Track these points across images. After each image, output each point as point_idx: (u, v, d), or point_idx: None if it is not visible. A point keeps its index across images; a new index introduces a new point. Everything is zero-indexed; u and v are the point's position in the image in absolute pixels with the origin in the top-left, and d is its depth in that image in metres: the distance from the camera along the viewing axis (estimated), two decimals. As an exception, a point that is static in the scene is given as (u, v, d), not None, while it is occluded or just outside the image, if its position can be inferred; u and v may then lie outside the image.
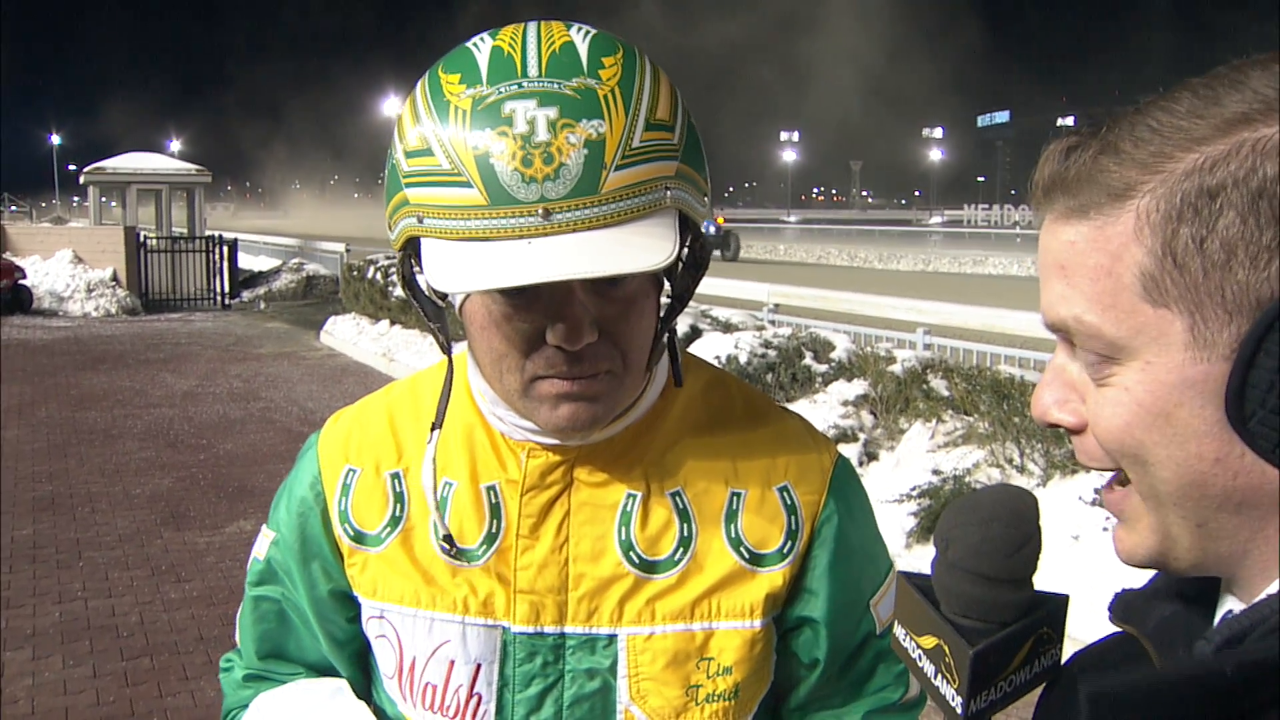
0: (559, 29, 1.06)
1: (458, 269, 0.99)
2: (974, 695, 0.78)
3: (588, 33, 1.07)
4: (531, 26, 1.06)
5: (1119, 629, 0.85)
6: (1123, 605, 0.85)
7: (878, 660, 1.29)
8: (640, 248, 1.00)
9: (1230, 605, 0.76)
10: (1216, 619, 0.78)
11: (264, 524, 1.35)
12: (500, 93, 1.00)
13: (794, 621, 1.24)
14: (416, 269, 1.11)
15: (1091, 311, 0.71)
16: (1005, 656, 0.79)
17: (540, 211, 0.97)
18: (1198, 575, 0.76)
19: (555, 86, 1.00)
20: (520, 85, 1.00)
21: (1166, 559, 0.75)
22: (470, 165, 0.99)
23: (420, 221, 1.03)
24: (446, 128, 1.00)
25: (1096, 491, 5.77)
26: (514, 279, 0.97)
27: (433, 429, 1.18)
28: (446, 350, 1.16)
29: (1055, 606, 0.83)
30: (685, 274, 1.18)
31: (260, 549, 1.32)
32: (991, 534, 0.80)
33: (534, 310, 1.06)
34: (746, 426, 1.25)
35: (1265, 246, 0.64)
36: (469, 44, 1.07)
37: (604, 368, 1.09)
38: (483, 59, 1.03)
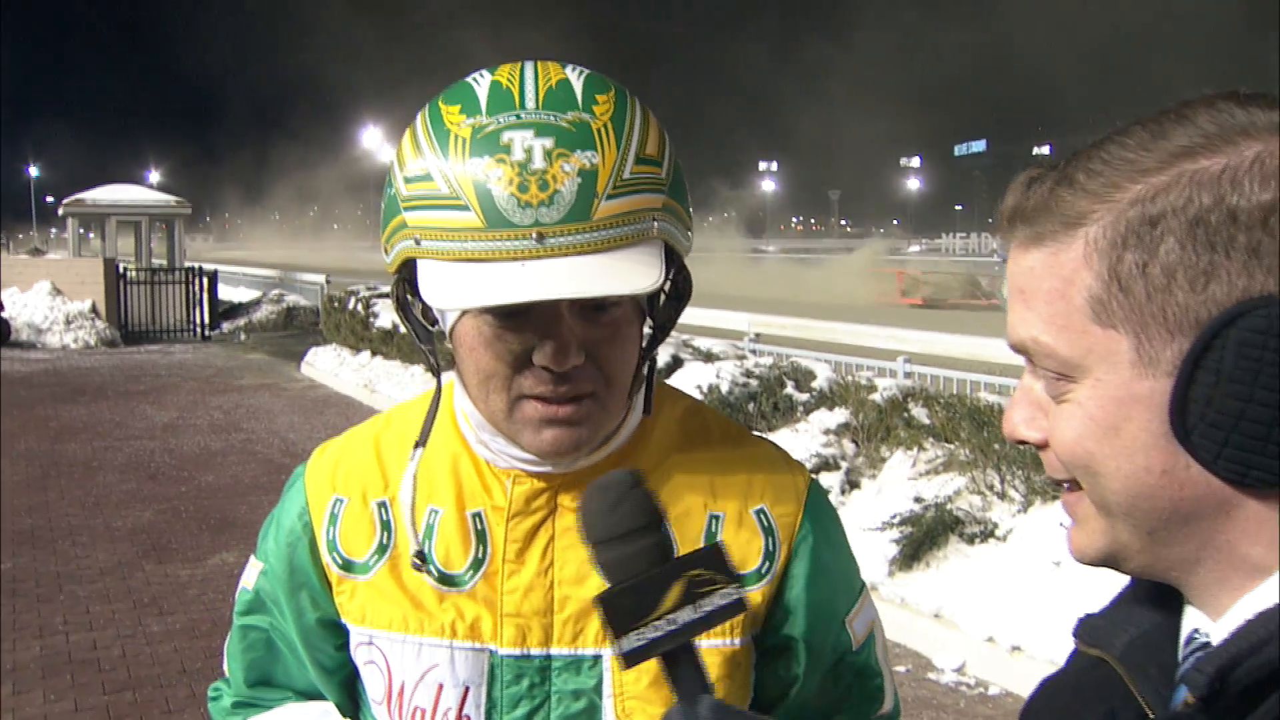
0: (555, 68, 1.12)
1: (454, 288, 1.04)
2: (618, 635, 0.89)
3: (582, 72, 1.13)
4: (529, 64, 1.12)
5: (1086, 653, 0.88)
6: (1088, 629, 0.88)
7: (854, 677, 1.32)
8: (628, 273, 1.05)
9: (1195, 619, 0.80)
10: (1183, 634, 0.81)
11: (252, 554, 1.36)
12: (499, 123, 1.05)
13: (773, 640, 1.26)
14: (409, 295, 1.16)
15: (1047, 333, 0.76)
16: (644, 600, 0.90)
17: (534, 235, 1.02)
18: (1149, 578, 0.80)
19: (551, 119, 1.05)
20: (519, 116, 1.05)
21: (1117, 560, 0.79)
22: (468, 190, 1.04)
23: (418, 243, 1.08)
24: (446, 155, 1.06)
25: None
26: (508, 297, 1.02)
27: (416, 445, 1.22)
28: (436, 372, 1.20)
29: (701, 554, 0.94)
30: (668, 305, 1.24)
31: (248, 579, 1.34)
32: (588, 508, 0.95)
33: (523, 331, 1.10)
34: (723, 452, 1.29)
35: (1202, 271, 0.69)
36: (469, 79, 1.12)
37: (588, 390, 1.13)
38: (482, 92, 1.09)
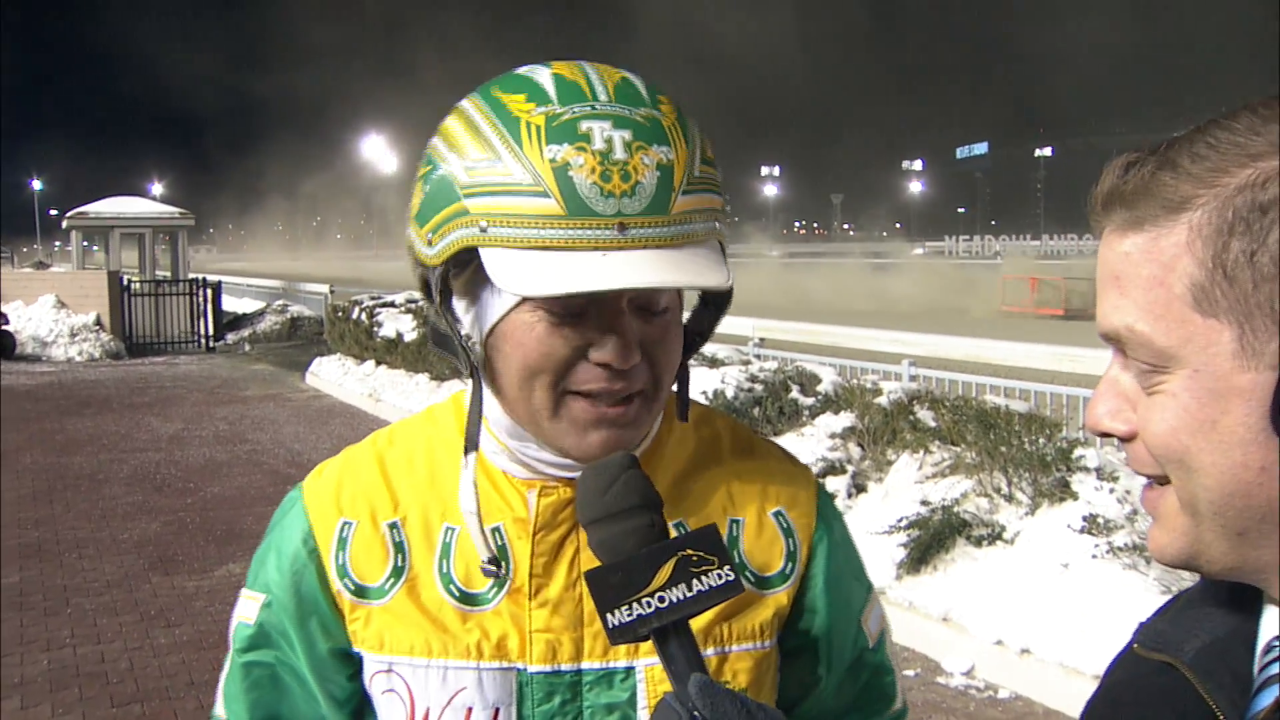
0: (611, 68, 1.11)
1: (532, 276, 1.01)
2: (606, 610, 0.90)
3: (635, 74, 1.12)
4: (583, 62, 1.11)
5: (1147, 659, 0.86)
6: (1152, 634, 0.86)
7: (872, 674, 1.32)
8: (704, 268, 1.04)
9: (1276, 621, 0.77)
10: (1262, 638, 0.78)
11: (243, 588, 1.30)
12: (574, 112, 1.04)
13: (795, 640, 1.26)
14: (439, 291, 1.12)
15: (1143, 321, 0.73)
16: (635, 577, 0.91)
17: (617, 225, 1.01)
18: (1233, 580, 0.77)
19: (626, 112, 1.05)
20: (593, 107, 1.04)
21: (1198, 561, 0.76)
22: (548, 176, 1.01)
23: (484, 231, 1.04)
24: (519, 141, 1.03)
25: (1085, 520, 5.80)
26: (601, 284, 0.99)
27: (466, 451, 1.16)
28: (474, 368, 1.14)
29: (695, 535, 0.95)
30: (705, 312, 1.23)
31: (247, 613, 1.27)
32: (583, 489, 0.97)
33: (582, 326, 1.07)
34: (736, 457, 1.29)
35: None
36: (520, 72, 1.11)
37: (639, 388, 1.11)
38: (547, 82, 1.07)
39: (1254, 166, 0.69)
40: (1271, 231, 0.67)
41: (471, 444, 1.16)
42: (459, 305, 1.15)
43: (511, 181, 1.02)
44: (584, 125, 1.02)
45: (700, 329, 1.23)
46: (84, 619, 6.56)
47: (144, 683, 5.60)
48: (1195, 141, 0.72)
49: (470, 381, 1.17)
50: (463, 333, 1.13)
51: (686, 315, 1.24)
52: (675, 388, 1.24)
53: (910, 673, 5.56)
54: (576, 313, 1.07)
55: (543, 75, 1.08)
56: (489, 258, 1.04)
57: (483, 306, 1.12)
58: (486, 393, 1.16)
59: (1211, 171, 0.70)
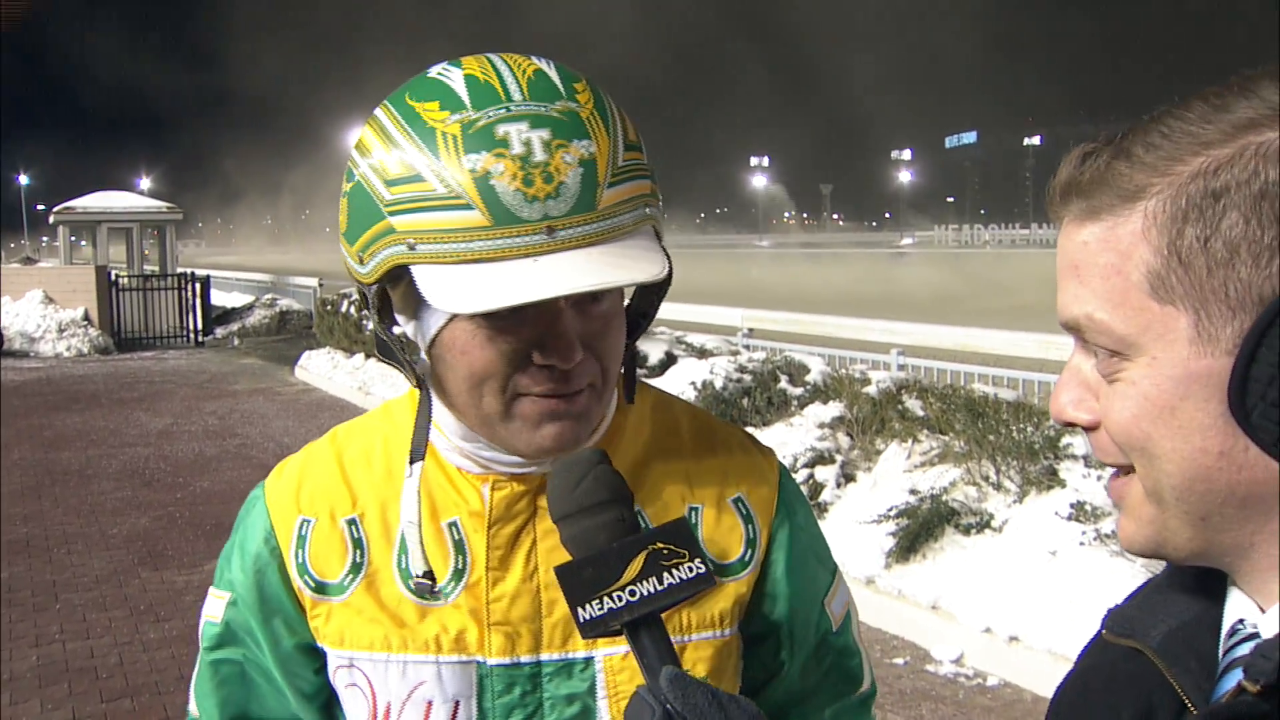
0: (523, 59, 1.08)
1: (465, 291, 0.99)
2: (577, 605, 0.91)
3: (550, 62, 1.09)
4: (494, 56, 1.08)
5: (1116, 644, 0.86)
6: (1120, 620, 0.87)
7: (838, 657, 1.32)
8: (638, 260, 1.03)
9: (1239, 609, 0.78)
10: (1226, 621, 0.79)
11: (210, 587, 1.31)
12: (489, 117, 1.01)
13: (757, 627, 1.26)
14: (379, 306, 1.11)
15: (1102, 309, 0.73)
16: (605, 571, 0.91)
17: (544, 229, 0.99)
18: (1199, 564, 0.78)
19: (542, 109, 1.02)
20: (508, 109, 1.01)
21: (1165, 548, 0.77)
22: (469, 188, 0.99)
23: (412, 248, 1.02)
24: (436, 153, 1.01)
25: (1073, 507, 5.82)
26: (532, 294, 0.98)
27: (412, 461, 1.15)
28: (423, 384, 1.14)
29: (666, 529, 0.95)
30: (649, 293, 1.21)
31: (214, 611, 1.29)
32: (553, 485, 0.96)
33: (522, 330, 1.06)
34: (694, 442, 1.28)
35: (1267, 246, 0.67)
36: (432, 74, 1.08)
37: (587, 383, 1.10)
38: (459, 86, 1.04)
39: (1206, 154, 0.69)
40: (1224, 217, 0.68)
41: (417, 455, 1.15)
42: (399, 317, 1.13)
43: (434, 196, 1.01)
44: (500, 130, 1.00)
45: (644, 310, 1.22)
46: (73, 614, 6.55)
47: (133, 677, 5.59)
48: (1149, 131, 0.73)
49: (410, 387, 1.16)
50: (407, 343, 1.12)
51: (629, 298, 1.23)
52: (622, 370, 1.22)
53: (899, 661, 5.58)
54: (515, 316, 1.05)
55: (454, 78, 1.05)
56: (420, 275, 1.02)
57: (422, 318, 1.11)
58: (436, 399, 1.15)
59: (1165, 160, 0.71)
